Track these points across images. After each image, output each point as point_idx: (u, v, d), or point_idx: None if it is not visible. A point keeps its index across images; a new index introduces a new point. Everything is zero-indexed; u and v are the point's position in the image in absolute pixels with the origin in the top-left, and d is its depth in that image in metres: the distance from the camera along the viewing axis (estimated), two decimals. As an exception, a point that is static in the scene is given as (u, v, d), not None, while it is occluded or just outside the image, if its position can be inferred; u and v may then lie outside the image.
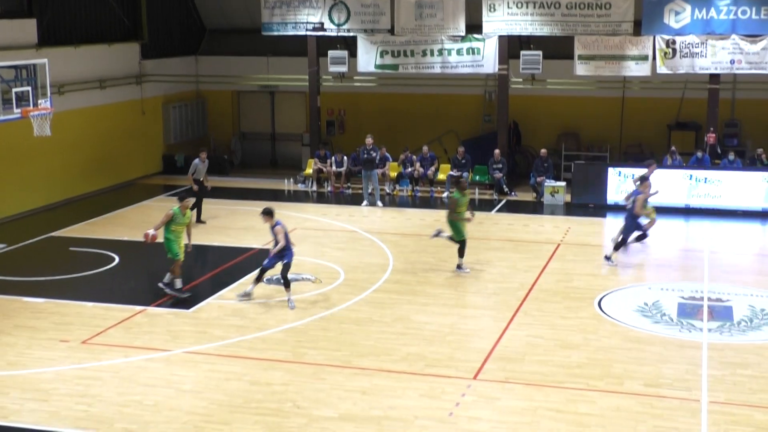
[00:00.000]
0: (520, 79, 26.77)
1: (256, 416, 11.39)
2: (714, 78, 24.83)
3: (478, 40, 25.87)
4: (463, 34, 25.92)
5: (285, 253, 15.61)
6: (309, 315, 15.26)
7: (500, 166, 25.82)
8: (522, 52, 25.78)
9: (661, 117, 27.32)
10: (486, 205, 24.81)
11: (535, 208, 24.53)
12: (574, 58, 25.18)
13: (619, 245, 18.47)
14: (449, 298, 16.32)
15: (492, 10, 25.55)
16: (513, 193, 25.87)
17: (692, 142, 26.36)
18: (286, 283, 15.68)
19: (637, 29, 24.74)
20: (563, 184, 25.07)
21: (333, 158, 26.88)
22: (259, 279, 16.02)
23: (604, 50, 24.89)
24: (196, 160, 22.31)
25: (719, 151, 24.88)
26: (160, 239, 16.17)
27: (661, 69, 24.68)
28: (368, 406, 11.64)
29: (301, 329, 14.62)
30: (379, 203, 24.58)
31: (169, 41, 30.09)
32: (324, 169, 26.99)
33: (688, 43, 24.27)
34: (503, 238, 21.01)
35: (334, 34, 26.99)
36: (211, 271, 18.21)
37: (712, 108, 25.04)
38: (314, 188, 26.92)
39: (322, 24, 26.80)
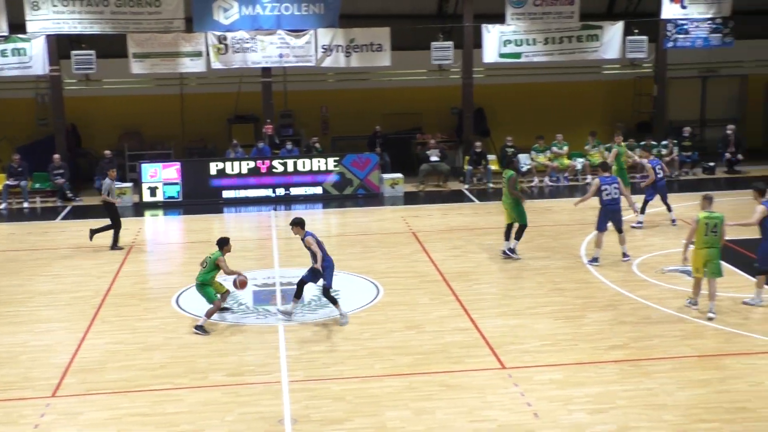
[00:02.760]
0: (75, 80, 25.88)
1: None
2: (266, 71, 25.94)
3: (23, 40, 24.52)
4: (6, 34, 24.41)
5: (325, 272, 14.28)
6: None
7: (62, 171, 24.76)
8: (73, 52, 24.90)
9: (221, 111, 27.96)
10: (50, 213, 23.68)
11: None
12: (129, 57, 24.85)
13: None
14: (18, 314, 15.33)
15: (36, 8, 24.34)
16: (78, 199, 24.96)
17: (252, 134, 27.30)
18: (333, 301, 14.51)
19: (190, 26, 25.05)
20: (130, 184, 24.69)
21: None
22: (299, 295, 14.74)
23: (159, 48, 24.88)
24: (108, 180, 19.48)
25: (277, 141, 26.05)
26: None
27: (216, 64, 25.25)
28: (-65, 446, 10.59)
29: None
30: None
31: None
32: None
33: (239, 39, 25.08)
34: (72, 245, 20.18)
35: None
36: None
37: (267, 100, 26.16)
38: None
39: None
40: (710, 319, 14.31)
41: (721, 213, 14.49)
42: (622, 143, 22.46)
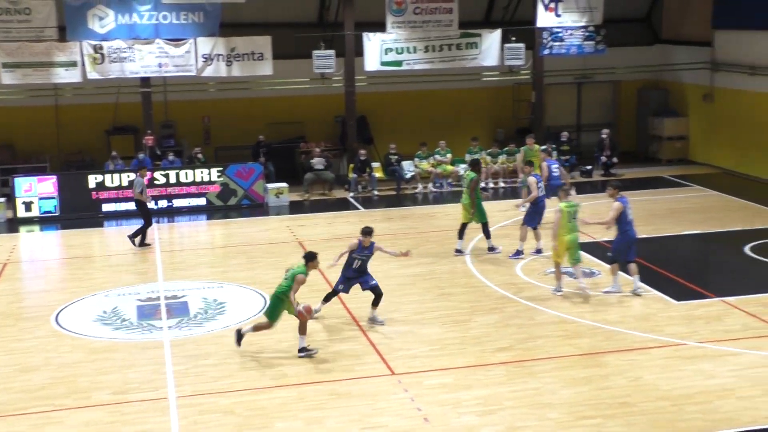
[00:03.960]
0: (-58, 92, 24.87)
1: None
2: (145, 81, 25.42)
3: None
4: None
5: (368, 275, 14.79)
6: None
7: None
8: (-61, 63, 23.89)
9: (99, 122, 27.23)
10: None
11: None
12: (-1, 67, 24.02)
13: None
14: None
15: None
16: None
17: (132, 146, 26.70)
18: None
19: (63, 35, 24.33)
20: (3, 200, 23.81)
21: None
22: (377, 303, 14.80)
23: (30, 57, 24.06)
24: (141, 178, 20.21)
25: (159, 152, 25.56)
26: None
27: (92, 74, 24.58)
28: None
29: None
30: None
31: None
32: None
33: (116, 48, 24.48)
34: (-58, 264, 19.35)
35: None
36: None
37: (147, 111, 25.65)
38: None
39: None
40: (587, 296, 15.54)
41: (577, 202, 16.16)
42: (535, 145, 23.01)
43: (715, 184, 25.27)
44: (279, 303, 13.47)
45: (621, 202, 15.55)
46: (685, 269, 17.61)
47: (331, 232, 21.44)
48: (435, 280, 17.20)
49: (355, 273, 14.82)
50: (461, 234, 18.80)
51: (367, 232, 14.80)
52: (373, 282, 14.78)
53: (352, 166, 26.25)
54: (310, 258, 13.67)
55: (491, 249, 18.76)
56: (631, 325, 14.34)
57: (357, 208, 24.34)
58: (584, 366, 12.77)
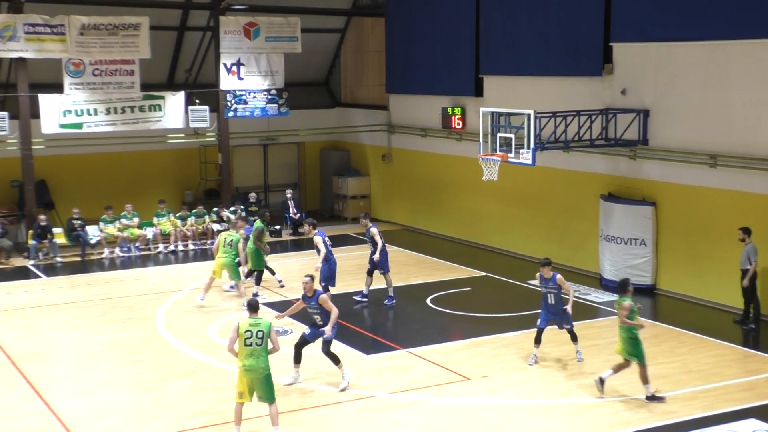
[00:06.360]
0: None
1: None
2: None
3: None
4: None
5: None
6: None
7: None
8: None
9: None
10: None
11: None
12: None
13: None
14: None
15: None
16: None
17: None
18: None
19: None
20: None
21: None
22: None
23: None
24: None
25: None
26: None
27: None
28: None
29: None
30: None
31: None
32: None
33: None
34: None
35: None
36: None
37: None
38: None
39: None
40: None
41: (238, 235, 19.19)
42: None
43: (396, 240, 26.61)
44: (634, 342, 13.40)
45: (320, 236, 18.06)
46: (374, 323, 18.39)
47: (11, 303, 20.13)
48: (126, 347, 16.65)
49: (554, 310, 14.60)
50: (258, 281, 19.75)
51: (546, 263, 14.68)
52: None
53: (31, 232, 24.83)
54: (624, 287, 13.63)
55: (255, 294, 18.91)
56: (324, 381, 14.67)
57: (39, 276, 23.02)
58: (283, 424, 12.87)
